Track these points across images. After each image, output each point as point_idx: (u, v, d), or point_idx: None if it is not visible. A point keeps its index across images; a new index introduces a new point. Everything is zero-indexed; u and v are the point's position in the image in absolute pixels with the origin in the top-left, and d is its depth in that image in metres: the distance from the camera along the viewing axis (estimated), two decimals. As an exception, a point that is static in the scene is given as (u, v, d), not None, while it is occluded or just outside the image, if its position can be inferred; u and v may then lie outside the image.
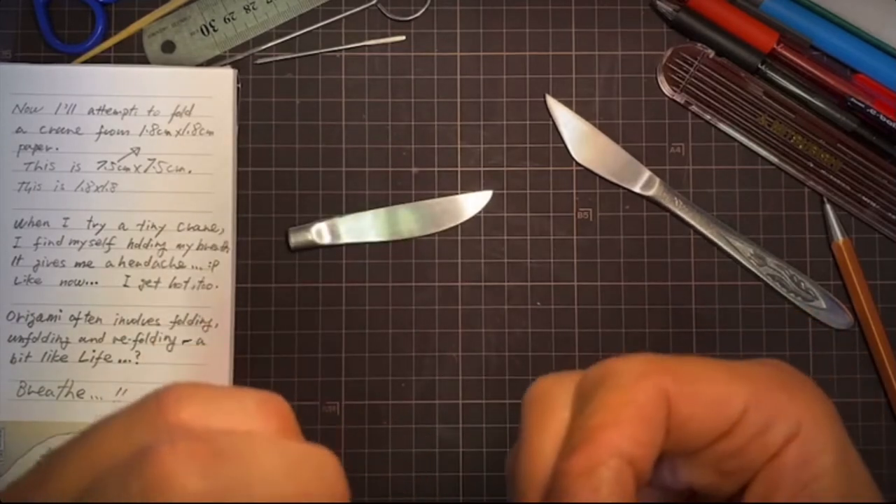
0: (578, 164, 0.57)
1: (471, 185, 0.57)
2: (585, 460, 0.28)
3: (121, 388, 0.55)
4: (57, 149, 0.56)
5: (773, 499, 0.30)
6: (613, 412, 0.29)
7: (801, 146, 0.56)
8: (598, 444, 0.28)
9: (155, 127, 0.56)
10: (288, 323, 0.56)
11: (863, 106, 0.56)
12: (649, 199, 0.57)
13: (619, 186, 0.57)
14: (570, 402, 0.31)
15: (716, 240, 0.56)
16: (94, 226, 0.55)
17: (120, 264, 0.55)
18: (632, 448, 0.28)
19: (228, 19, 0.57)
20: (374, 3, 0.58)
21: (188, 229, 0.55)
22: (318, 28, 0.58)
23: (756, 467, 0.31)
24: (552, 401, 0.31)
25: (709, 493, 0.32)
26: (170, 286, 0.55)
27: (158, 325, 0.55)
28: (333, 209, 0.57)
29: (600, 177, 0.57)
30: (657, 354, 0.31)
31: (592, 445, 0.28)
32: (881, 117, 0.56)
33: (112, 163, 0.56)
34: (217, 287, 0.55)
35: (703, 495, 0.32)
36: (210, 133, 0.56)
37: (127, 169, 0.55)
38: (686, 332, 0.56)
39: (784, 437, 0.30)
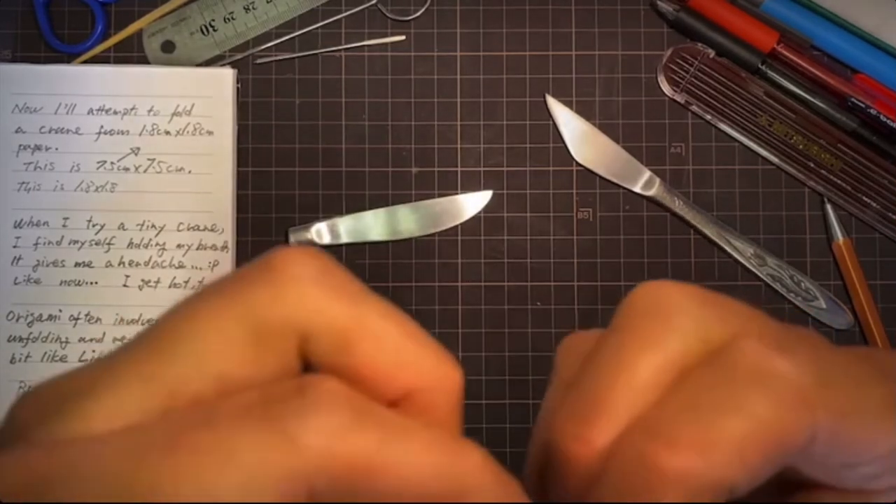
0: (578, 164, 0.57)
1: (471, 185, 0.57)
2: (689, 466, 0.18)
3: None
4: (57, 149, 0.55)
5: None
6: (740, 433, 0.18)
7: (801, 146, 0.56)
8: (710, 456, 0.18)
9: (155, 127, 0.56)
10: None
11: (863, 106, 0.56)
12: (649, 199, 0.57)
13: (619, 186, 0.57)
14: (694, 330, 0.20)
15: (716, 240, 0.56)
16: (93, 226, 0.55)
17: (119, 264, 0.55)
18: (736, 480, 0.18)
19: (228, 19, 0.57)
20: (373, 2, 0.57)
21: (188, 229, 0.55)
22: (317, 28, 0.57)
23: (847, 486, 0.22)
24: (670, 315, 0.20)
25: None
26: (170, 286, 0.55)
27: (158, 325, 0.55)
28: (333, 209, 0.57)
29: (600, 177, 0.57)
30: (817, 353, 0.20)
31: (703, 455, 0.18)
32: (881, 117, 0.56)
33: (112, 163, 0.55)
34: (217, 287, 0.55)
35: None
36: (210, 133, 0.56)
37: (127, 169, 0.55)
38: (686, 332, 0.56)
39: None
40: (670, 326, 0.20)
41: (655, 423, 0.18)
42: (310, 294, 0.18)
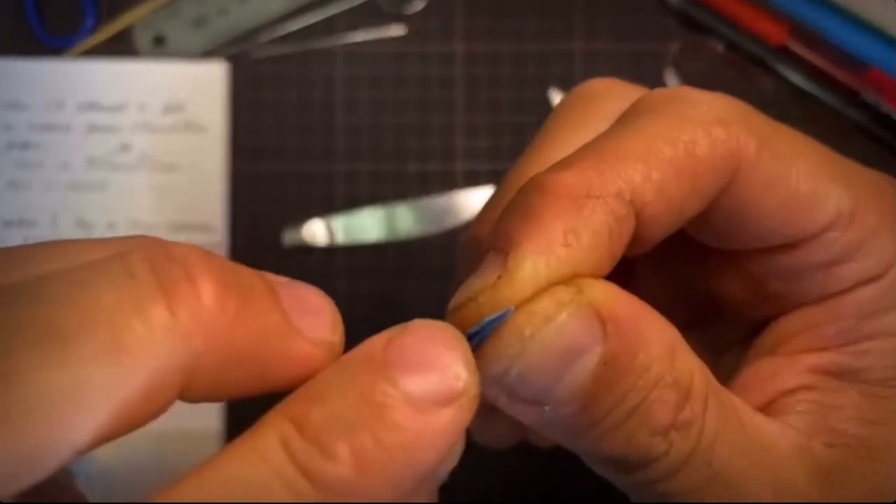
0: (582, 162, 0.56)
1: (471, 183, 0.56)
2: (580, 184, 0.20)
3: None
4: (45, 146, 0.55)
5: (804, 342, 0.24)
6: (652, 144, 0.21)
7: (811, 143, 0.56)
8: (608, 170, 0.20)
9: (145, 123, 0.55)
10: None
11: (874, 102, 0.55)
12: (655, 198, 0.56)
13: (624, 184, 0.56)
14: (616, 113, 0.23)
15: (724, 239, 0.55)
16: (82, 226, 0.55)
17: (109, 265, 0.54)
18: (650, 197, 0.20)
19: (221, 13, 0.57)
20: (371, -5, 0.57)
21: (179, 228, 0.54)
22: (314, 22, 0.57)
23: (802, 302, 0.24)
24: (597, 105, 0.24)
25: (730, 309, 0.26)
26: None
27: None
28: (329, 208, 0.56)
29: (605, 175, 0.56)
30: (749, 107, 0.23)
31: (599, 170, 0.20)
32: (892, 114, 0.55)
33: (102, 160, 0.55)
34: (210, 288, 0.54)
35: (720, 311, 0.25)
36: (202, 129, 0.55)
37: (117, 166, 0.55)
38: (693, 334, 0.55)
39: (862, 276, 0.23)
40: (588, 117, 0.24)
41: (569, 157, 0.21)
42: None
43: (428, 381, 0.18)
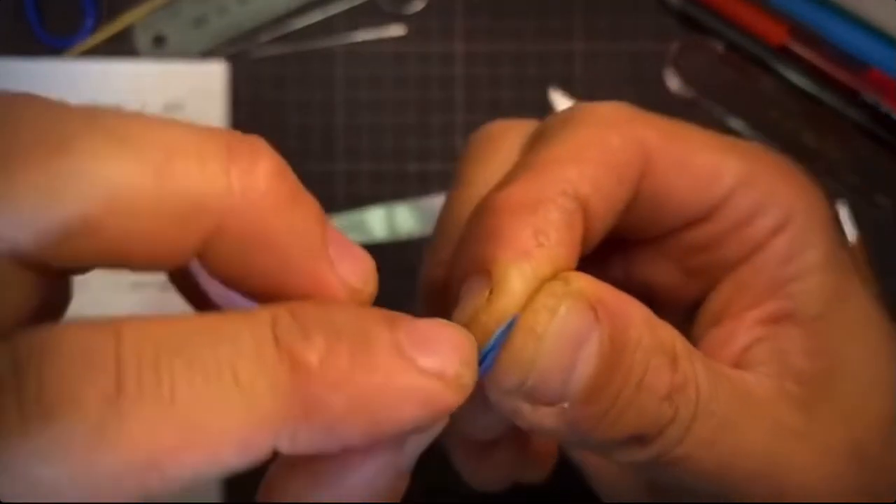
0: (582, 162, 0.56)
1: (471, 184, 0.56)
2: (527, 193, 0.22)
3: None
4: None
5: (742, 302, 0.27)
6: (574, 149, 0.23)
7: (811, 143, 0.56)
8: (547, 176, 0.22)
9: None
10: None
11: (875, 102, 0.55)
12: (655, 198, 0.56)
13: (624, 184, 0.56)
14: (521, 144, 0.26)
15: (724, 239, 0.55)
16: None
17: (109, 265, 0.54)
18: (589, 193, 0.23)
19: (221, 12, 0.56)
20: (371, -5, 0.57)
21: (180, 229, 0.54)
22: (314, 22, 0.57)
23: (730, 265, 0.27)
24: (501, 140, 0.26)
25: (665, 296, 0.28)
26: (161, 288, 0.54)
27: (149, 327, 0.54)
28: (329, 208, 0.56)
29: (605, 175, 0.56)
30: (640, 109, 0.26)
31: (539, 178, 0.22)
32: (893, 114, 0.55)
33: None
34: (210, 288, 0.54)
35: (657, 301, 0.28)
36: (202, 129, 0.55)
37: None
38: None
39: (772, 226, 0.26)
40: (497, 150, 0.26)
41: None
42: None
43: (425, 354, 0.18)
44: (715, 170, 0.26)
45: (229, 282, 0.19)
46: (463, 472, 0.26)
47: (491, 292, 0.21)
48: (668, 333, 0.22)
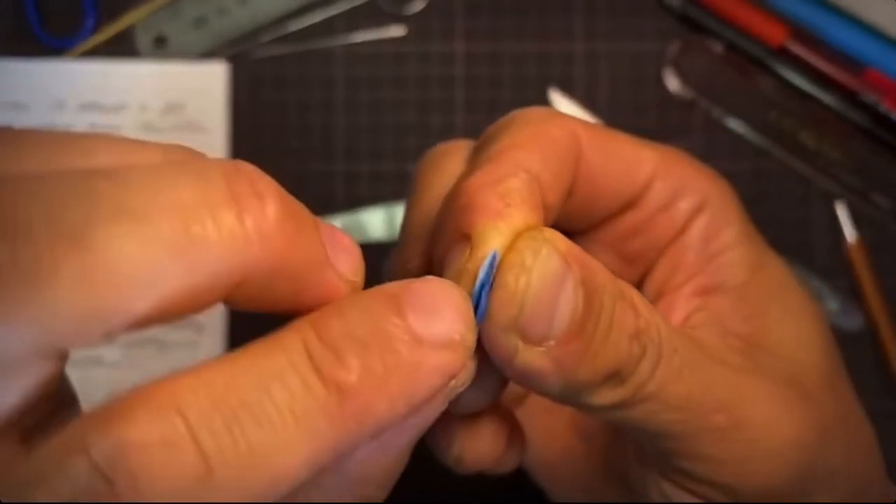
0: (582, 162, 0.56)
1: (471, 184, 0.56)
2: (489, 174, 0.25)
3: (110, 392, 0.54)
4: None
5: (676, 278, 0.30)
6: (521, 138, 0.27)
7: (811, 143, 0.56)
8: (502, 160, 0.25)
9: (146, 123, 0.55)
10: (283, 323, 0.55)
11: (873, 103, 0.55)
12: (655, 198, 0.56)
13: (623, 185, 0.56)
14: (466, 155, 0.29)
15: (723, 240, 0.55)
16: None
17: (110, 265, 0.54)
18: (539, 169, 0.26)
19: (222, 13, 0.56)
20: (371, -4, 0.57)
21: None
22: (314, 22, 0.57)
23: (661, 247, 0.30)
24: (446, 157, 0.29)
25: None
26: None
27: (150, 327, 0.54)
28: (329, 208, 0.56)
29: (604, 175, 0.56)
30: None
31: (496, 162, 0.25)
32: (891, 115, 0.55)
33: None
34: (210, 288, 0.54)
35: None
36: (202, 129, 0.55)
37: (117, 167, 0.55)
38: (692, 334, 0.55)
39: (691, 208, 0.30)
40: (444, 166, 0.29)
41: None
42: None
43: (432, 325, 0.21)
44: (635, 158, 0.29)
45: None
46: (441, 450, 0.28)
47: (471, 248, 0.23)
48: (625, 285, 0.25)
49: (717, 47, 0.56)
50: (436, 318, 0.21)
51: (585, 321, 0.23)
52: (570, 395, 0.24)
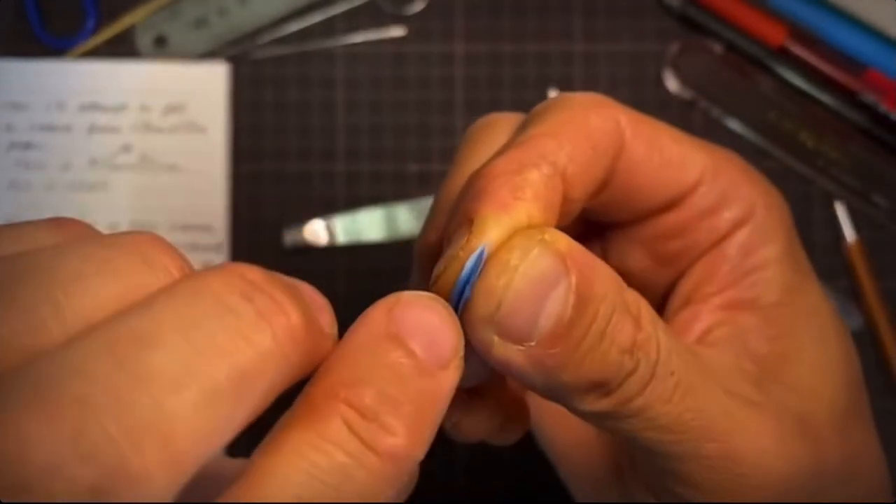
0: (582, 162, 0.56)
1: (471, 184, 0.56)
2: (510, 162, 0.25)
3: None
4: (47, 147, 0.55)
5: (707, 288, 0.29)
6: (555, 126, 0.26)
7: (810, 143, 0.56)
8: (529, 148, 0.25)
9: (146, 124, 0.55)
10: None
11: (873, 103, 0.55)
12: (654, 198, 0.56)
13: (623, 185, 0.56)
14: (511, 131, 0.28)
15: (723, 240, 0.55)
16: (84, 225, 0.54)
17: (111, 265, 0.54)
18: (566, 162, 0.25)
19: (222, 14, 0.56)
20: (371, -4, 0.57)
21: (180, 229, 0.54)
22: (314, 23, 0.57)
23: (697, 254, 0.29)
24: (494, 127, 0.29)
25: (638, 282, 0.30)
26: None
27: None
28: (329, 208, 0.56)
29: (604, 175, 0.56)
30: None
31: (522, 149, 0.25)
32: (891, 115, 0.55)
33: (103, 161, 0.55)
34: (211, 288, 0.54)
35: (631, 286, 0.30)
36: (203, 130, 0.55)
37: (118, 167, 0.55)
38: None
39: (735, 219, 0.29)
40: (490, 137, 0.28)
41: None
42: None
43: (434, 351, 0.21)
44: (683, 158, 0.28)
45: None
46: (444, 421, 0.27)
47: (469, 236, 0.23)
48: (634, 297, 0.24)
49: (717, 48, 0.56)
50: (435, 343, 0.21)
51: (573, 327, 0.23)
52: (553, 395, 0.24)
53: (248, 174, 0.56)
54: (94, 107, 0.55)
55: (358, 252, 0.56)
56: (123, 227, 0.54)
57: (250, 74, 0.56)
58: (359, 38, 0.57)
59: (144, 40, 0.56)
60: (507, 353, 0.23)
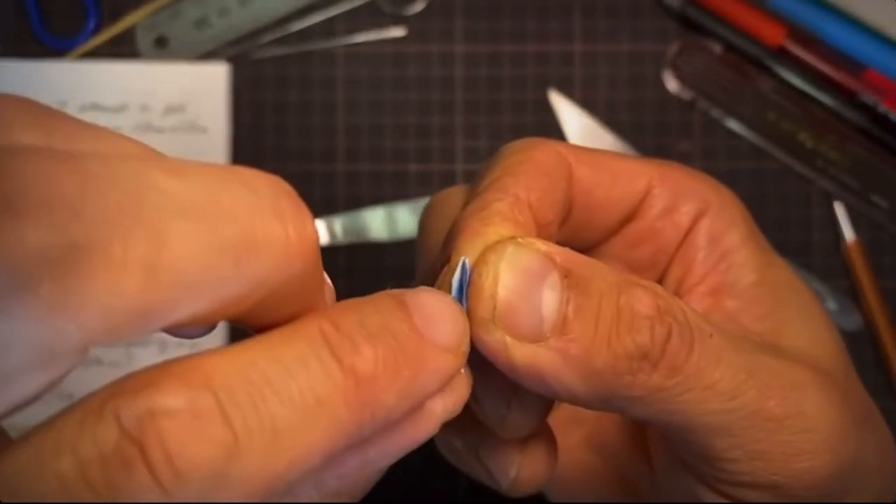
0: (581, 162, 0.56)
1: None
2: (476, 204, 0.26)
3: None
4: (47, 146, 0.55)
5: (689, 279, 0.30)
6: (507, 168, 0.27)
7: (809, 144, 0.56)
8: (490, 190, 0.26)
9: (147, 124, 0.55)
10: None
11: (872, 103, 0.55)
12: (654, 198, 0.56)
13: (623, 185, 0.56)
14: (462, 199, 0.29)
15: (722, 240, 0.55)
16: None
17: (111, 265, 0.54)
18: (527, 192, 0.26)
19: (222, 14, 0.56)
20: (372, -3, 0.57)
21: (181, 229, 0.54)
22: (314, 23, 0.57)
23: (669, 251, 0.31)
24: (445, 201, 0.30)
25: None
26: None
27: (151, 327, 0.54)
28: (330, 208, 0.56)
29: (604, 175, 0.56)
30: None
31: (486, 192, 0.26)
32: (890, 115, 0.55)
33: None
34: (211, 288, 0.54)
35: None
36: (203, 130, 0.55)
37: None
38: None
39: (694, 211, 0.30)
40: (446, 208, 0.29)
41: None
42: None
43: (433, 329, 0.21)
44: (629, 170, 0.30)
45: (246, 322, 0.21)
46: (498, 475, 0.28)
47: (449, 265, 0.25)
48: (636, 277, 0.25)
49: (716, 48, 0.56)
50: (436, 322, 0.22)
51: (582, 308, 0.23)
52: (600, 392, 0.24)
53: (249, 174, 0.56)
54: (94, 107, 0.55)
55: (358, 252, 0.56)
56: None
57: (251, 75, 0.56)
58: (359, 38, 0.57)
59: (145, 41, 0.56)
60: (530, 355, 0.23)
